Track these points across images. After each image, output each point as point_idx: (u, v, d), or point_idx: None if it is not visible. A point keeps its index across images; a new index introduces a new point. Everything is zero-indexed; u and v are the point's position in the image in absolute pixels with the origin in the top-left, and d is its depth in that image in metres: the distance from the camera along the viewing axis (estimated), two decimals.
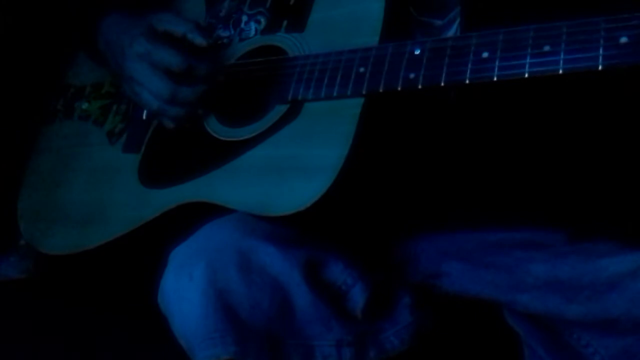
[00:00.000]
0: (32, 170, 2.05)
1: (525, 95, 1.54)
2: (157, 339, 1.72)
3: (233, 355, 1.49)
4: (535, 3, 1.51)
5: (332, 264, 1.61)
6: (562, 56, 1.38)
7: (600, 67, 1.34)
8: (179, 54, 1.70)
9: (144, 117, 1.87)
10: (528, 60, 1.41)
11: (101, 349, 2.01)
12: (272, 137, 1.63)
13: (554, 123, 1.61)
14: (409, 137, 1.62)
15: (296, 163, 1.57)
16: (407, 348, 1.64)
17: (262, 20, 1.78)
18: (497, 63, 1.43)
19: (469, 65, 1.45)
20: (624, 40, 1.33)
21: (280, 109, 1.64)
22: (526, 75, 1.41)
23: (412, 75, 1.50)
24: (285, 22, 1.73)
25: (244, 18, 1.81)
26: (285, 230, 1.57)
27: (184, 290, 1.51)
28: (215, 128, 1.75)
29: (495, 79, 1.43)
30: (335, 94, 1.58)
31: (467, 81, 1.45)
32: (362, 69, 1.56)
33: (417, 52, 1.52)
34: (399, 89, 1.52)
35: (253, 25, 1.79)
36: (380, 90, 1.53)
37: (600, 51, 1.34)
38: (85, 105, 2.01)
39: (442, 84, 1.48)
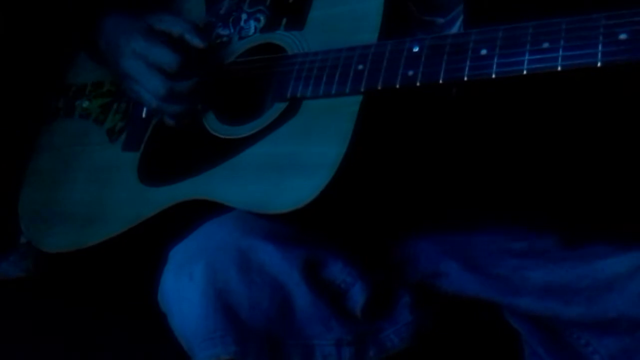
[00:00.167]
0: (32, 169, 2.05)
1: (524, 93, 1.54)
2: (157, 339, 1.72)
3: (233, 355, 1.50)
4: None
5: (331, 263, 1.60)
6: (560, 53, 1.37)
7: (599, 64, 1.34)
8: (174, 54, 1.71)
9: (144, 115, 1.87)
10: (527, 57, 1.40)
11: (101, 349, 2.01)
12: (271, 134, 1.63)
13: (554, 121, 1.61)
14: (408, 135, 1.62)
15: (295, 160, 1.57)
16: (406, 347, 1.64)
17: (262, 18, 1.79)
18: (495, 60, 1.43)
19: (468, 63, 1.45)
20: (623, 36, 1.33)
21: (279, 107, 1.64)
22: (525, 72, 1.40)
23: (410, 73, 1.50)
24: (284, 20, 1.74)
25: (244, 16, 1.82)
26: (285, 229, 1.57)
27: (184, 290, 1.51)
28: (215, 126, 1.75)
29: (493, 76, 1.43)
30: (333, 91, 1.58)
31: (466, 78, 1.45)
32: (360, 67, 1.56)
33: (416, 49, 1.51)
34: (398, 86, 1.51)
35: (252, 24, 1.80)
36: (379, 88, 1.53)
37: (600, 48, 1.34)
38: (85, 104, 2.02)
39: (441, 81, 1.47)
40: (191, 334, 1.52)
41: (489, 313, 1.73)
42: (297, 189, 1.53)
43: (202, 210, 1.62)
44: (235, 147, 1.67)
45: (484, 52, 1.44)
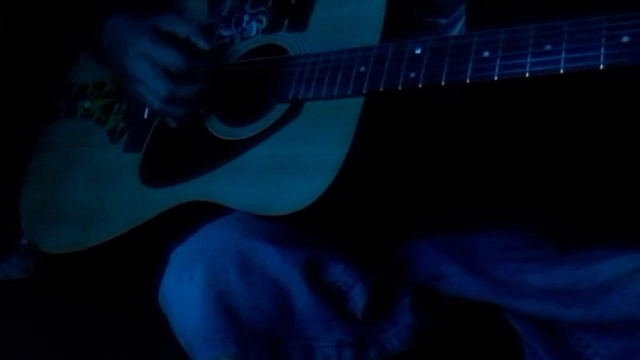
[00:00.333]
0: (33, 169, 2.05)
1: (526, 95, 1.54)
2: (157, 339, 1.72)
3: (233, 356, 1.50)
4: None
5: (332, 264, 1.60)
6: (563, 55, 1.37)
7: (601, 67, 1.34)
8: (180, 55, 1.71)
9: (146, 116, 1.87)
10: (529, 59, 1.40)
11: (101, 349, 2.01)
12: (273, 136, 1.63)
13: (554, 123, 1.61)
14: (410, 137, 1.62)
15: (296, 162, 1.57)
16: (407, 348, 1.64)
17: (264, 19, 1.79)
18: (498, 62, 1.43)
19: (470, 65, 1.45)
20: (625, 39, 1.33)
21: (280, 108, 1.64)
22: (527, 75, 1.40)
23: (412, 75, 1.50)
24: (286, 22, 1.74)
25: (246, 17, 1.82)
26: (286, 230, 1.57)
27: (184, 292, 1.51)
28: (216, 127, 1.75)
29: (496, 78, 1.43)
30: (335, 93, 1.58)
31: (468, 80, 1.45)
32: (362, 68, 1.56)
33: (418, 51, 1.51)
34: (400, 88, 1.51)
35: (254, 25, 1.80)
36: (381, 90, 1.53)
37: (602, 50, 1.34)
38: (87, 104, 2.02)
39: (443, 84, 1.47)
40: (191, 335, 1.51)
41: (489, 314, 1.73)
42: (299, 191, 1.53)
43: (203, 212, 1.62)
44: (236, 148, 1.67)
45: (486, 54, 1.44)
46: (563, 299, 1.62)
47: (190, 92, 1.73)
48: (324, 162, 1.52)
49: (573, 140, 1.60)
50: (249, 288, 1.51)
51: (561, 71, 1.37)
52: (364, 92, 1.55)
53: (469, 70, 1.45)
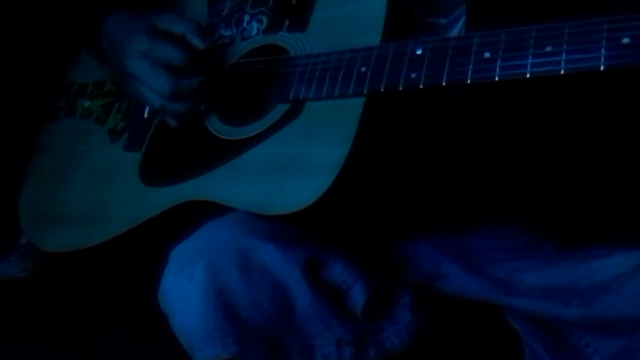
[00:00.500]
0: (33, 169, 2.05)
1: (526, 96, 1.54)
2: (157, 339, 1.72)
3: (233, 354, 1.50)
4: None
5: (332, 263, 1.61)
6: (564, 56, 1.37)
7: (602, 68, 1.34)
8: (179, 49, 1.71)
9: (146, 115, 1.88)
10: (530, 60, 1.40)
11: (101, 349, 2.01)
12: (274, 135, 1.63)
13: (554, 123, 1.61)
14: (410, 137, 1.62)
15: (297, 162, 1.57)
16: (407, 347, 1.64)
17: (264, 19, 1.79)
18: (498, 63, 1.43)
19: (471, 65, 1.45)
20: (626, 40, 1.33)
21: (281, 108, 1.65)
22: (528, 76, 1.40)
23: (413, 75, 1.50)
24: (287, 22, 1.74)
25: (246, 17, 1.82)
26: (286, 229, 1.57)
27: (184, 290, 1.51)
28: (217, 127, 1.75)
29: (496, 79, 1.43)
30: (336, 93, 1.58)
31: (469, 81, 1.45)
32: (363, 69, 1.56)
33: (419, 51, 1.52)
34: (401, 88, 1.51)
35: (255, 25, 1.80)
36: (382, 90, 1.53)
37: (603, 52, 1.34)
38: (87, 104, 2.02)
39: (444, 84, 1.47)
40: (191, 333, 1.52)
41: (489, 313, 1.73)
42: (300, 191, 1.53)
43: (204, 211, 1.62)
44: (237, 148, 1.67)
45: (487, 55, 1.44)
46: (562, 298, 1.62)
47: (191, 86, 1.73)
48: (325, 162, 1.52)
49: (573, 140, 1.60)
50: (249, 286, 1.51)
51: (562, 72, 1.37)
52: (365, 92, 1.55)
53: (470, 71, 1.45)
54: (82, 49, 2.04)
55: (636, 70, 1.32)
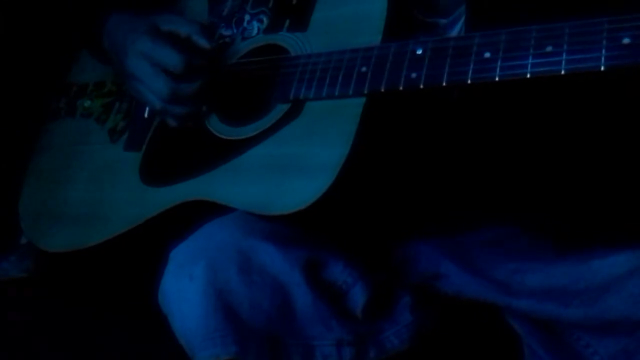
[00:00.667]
0: (33, 169, 2.05)
1: (526, 96, 1.54)
2: (157, 339, 1.72)
3: (233, 355, 1.50)
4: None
5: (332, 263, 1.61)
6: (564, 57, 1.37)
7: (602, 68, 1.34)
8: (179, 55, 1.70)
9: (146, 115, 1.88)
10: (530, 60, 1.40)
11: (101, 349, 2.01)
12: (274, 135, 1.63)
13: (554, 124, 1.61)
14: (410, 137, 1.62)
15: (297, 162, 1.57)
16: (407, 348, 1.64)
17: (265, 19, 1.79)
18: (499, 63, 1.43)
19: (471, 66, 1.45)
20: (626, 41, 1.33)
21: (282, 108, 1.65)
22: (528, 76, 1.40)
23: (414, 75, 1.50)
24: (287, 22, 1.74)
25: (247, 17, 1.82)
26: (286, 229, 1.57)
27: (184, 291, 1.51)
28: (217, 127, 1.75)
29: (497, 79, 1.43)
30: (337, 93, 1.58)
31: (469, 81, 1.45)
32: (364, 69, 1.56)
33: (419, 51, 1.52)
34: (401, 88, 1.51)
35: (255, 25, 1.80)
36: (382, 90, 1.53)
37: (603, 52, 1.34)
38: (87, 103, 2.02)
39: (444, 84, 1.47)
40: (191, 334, 1.52)
41: (489, 314, 1.73)
42: (300, 191, 1.53)
43: (204, 211, 1.62)
44: (237, 148, 1.67)
45: (487, 55, 1.44)
46: (562, 299, 1.62)
47: (191, 90, 1.72)
48: (325, 162, 1.52)
49: (573, 140, 1.61)
50: (249, 287, 1.51)
51: (562, 72, 1.37)
52: (366, 92, 1.55)
53: (470, 71, 1.45)
54: (83, 48, 2.04)
55: (636, 70, 1.32)
